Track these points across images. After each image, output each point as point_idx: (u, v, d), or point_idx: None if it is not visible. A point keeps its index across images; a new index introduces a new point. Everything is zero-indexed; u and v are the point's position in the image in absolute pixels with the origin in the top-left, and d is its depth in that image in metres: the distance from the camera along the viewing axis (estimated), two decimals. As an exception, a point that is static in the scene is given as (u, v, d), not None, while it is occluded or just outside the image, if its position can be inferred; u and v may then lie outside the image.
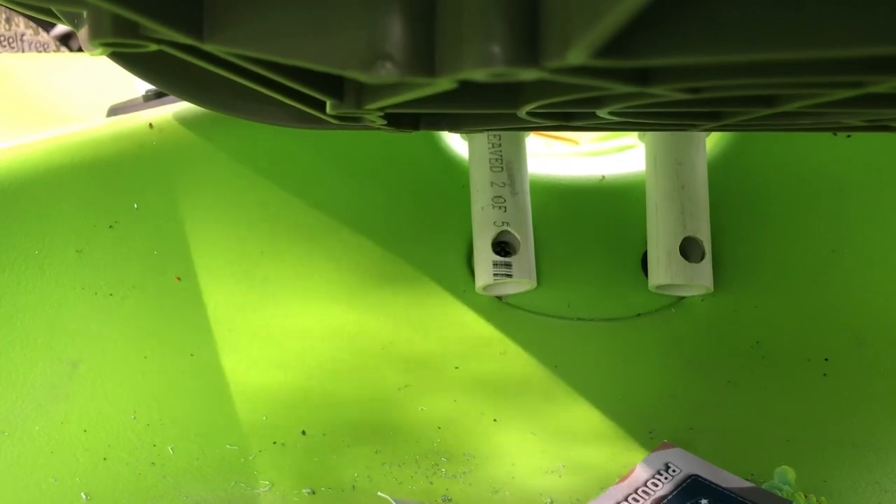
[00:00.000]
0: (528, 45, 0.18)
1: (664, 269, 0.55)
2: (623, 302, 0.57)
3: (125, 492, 0.42)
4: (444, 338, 0.54)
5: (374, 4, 0.20)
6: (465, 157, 0.58)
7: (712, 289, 0.56)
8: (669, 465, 0.42)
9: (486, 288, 0.56)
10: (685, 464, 0.42)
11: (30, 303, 0.46)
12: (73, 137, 0.50)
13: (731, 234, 0.58)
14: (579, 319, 0.56)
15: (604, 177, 0.60)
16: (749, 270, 0.57)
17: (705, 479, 0.41)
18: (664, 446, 0.44)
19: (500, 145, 0.56)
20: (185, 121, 0.53)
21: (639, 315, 0.56)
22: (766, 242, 0.57)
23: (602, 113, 0.29)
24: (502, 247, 0.56)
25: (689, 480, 0.41)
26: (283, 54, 0.22)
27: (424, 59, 0.20)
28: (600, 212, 0.60)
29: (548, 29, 0.18)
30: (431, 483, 0.44)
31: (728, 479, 0.41)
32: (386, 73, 0.20)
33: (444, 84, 0.21)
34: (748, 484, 0.41)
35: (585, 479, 0.44)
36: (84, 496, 0.41)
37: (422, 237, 0.58)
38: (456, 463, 0.46)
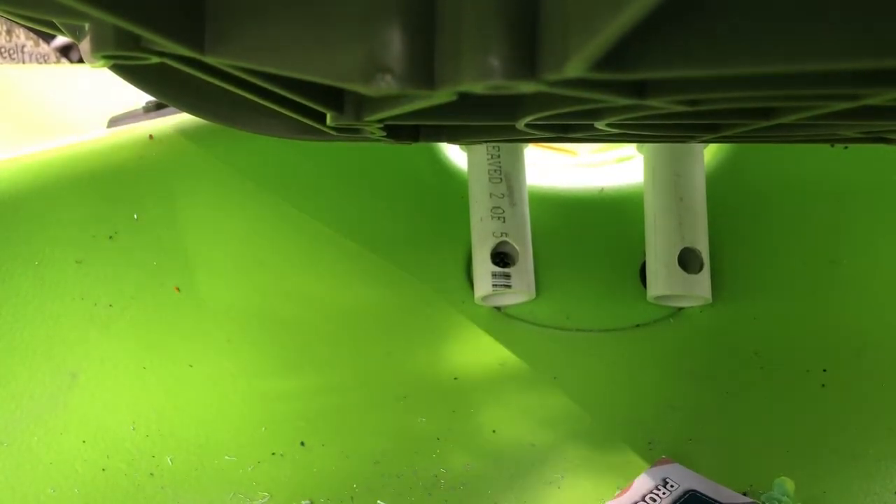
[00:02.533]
0: (527, 59, 0.18)
1: (663, 280, 0.55)
2: (621, 313, 0.57)
3: (124, 503, 0.42)
4: (442, 348, 0.54)
5: (375, 18, 0.20)
6: (465, 169, 0.59)
7: (711, 300, 0.56)
8: (668, 480, 0.42)
9: (484, 299, 0.56)
10: (684, 479, 0.42)
11: (29, 313, 0.46)
12: (73, 148, 0.50)
13: (729, 245, 0.58)
14: (578, 330, 0.56)
15: (602, 188, 0.61)
16: (747, 281, 0.57)
17: (704, 495, 0.41)
18: (662, 462, 0.44)
19: (499, 156, 0.56)
20: (185, 132, 0.53)
21: (637, 326, 0.57)
22: (765, 253, 0.58)
23: (600, 125, 0.29)
24: (501, 258, 0.56)
25: (687, 495, 0.41)
26: (283, 67, 0.22)
27: (424, 71, 0.20)
28: (599, 223, 0.60)
29: (546, 42, 0.18)
30: (430, 494, 0.44)
31: (727, 495, 0.41)
32: (386, 85, 0.20)
33: (443, 96, 0.21)
34: (747, 500, 0.41)
35: (584, 490, 0.44)
36: (82, 507, 0.41)
37: (421, 248, 0.58)
38: (455, 474, 0.46)
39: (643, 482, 0.42)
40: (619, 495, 0.42)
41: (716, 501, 0.41)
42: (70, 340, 0.47)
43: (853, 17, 0.17)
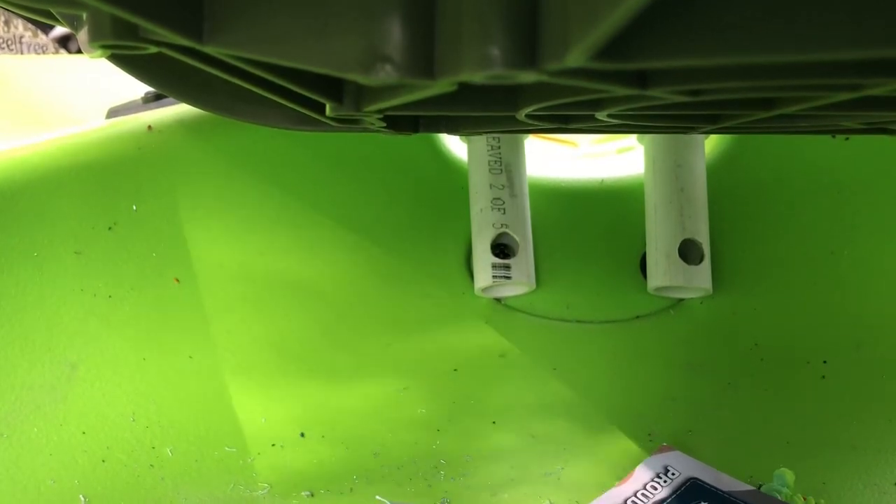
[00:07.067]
0: (527, 48, 0.18)
1: (663, 272, 0.55)
2: (622, 304, 0.57)
3: (124, 494, 0.42)
4: (443, 340, 0.54)
5: (374, 7, 0.20)
6: (464, 160, 0.58)
7: (711, 291, 0.56)
8: (669, 468, 0.42)
9: (485, 290, 0.56)
10: (685, 467, 0.42)
11: (29, 304, 0.46)
12: (72, 139, 0.50)
13: (729, 236, 0.58)
14: (578, 321, 0.56)
15: (603, 179, 0.60)
16: (748, 273, 0.57)
17: (705, 483, 0.41)
18: (663, 449, 0.44)
19: (499, 147, 0.56)
20: (184, 123, 0.53)
21: (637, 317, 0.56)
22: (765, 244, 0.57)
23: (601, 115, 0.29)
24: (501, 249, 0.56)
25: (688, 483, 0.41)
26: (282, 57, 0.22)
27: (424, 61, 0.20)
28: (599, 214, 0.60)
29: (547, 32, 0.18)
30: (430, 486, 0.44)
31: (728, 483, 0.41)
32: (385, 75, 0.20)
33: (443, 86, 0.21)
34: (748, 487, 0.41)
35: (584, 481, 0.44)
36: (83, 498, 0.41)
37: (421, 239, 0.58)
38: (455, 465, 0.46)
39: (643, 471, 0.42)
40: (619, 485, 0.42)
41: (717, 489, 0.41)
42: (70, 332, 0.47)
43: (856, 6, 0.17)
